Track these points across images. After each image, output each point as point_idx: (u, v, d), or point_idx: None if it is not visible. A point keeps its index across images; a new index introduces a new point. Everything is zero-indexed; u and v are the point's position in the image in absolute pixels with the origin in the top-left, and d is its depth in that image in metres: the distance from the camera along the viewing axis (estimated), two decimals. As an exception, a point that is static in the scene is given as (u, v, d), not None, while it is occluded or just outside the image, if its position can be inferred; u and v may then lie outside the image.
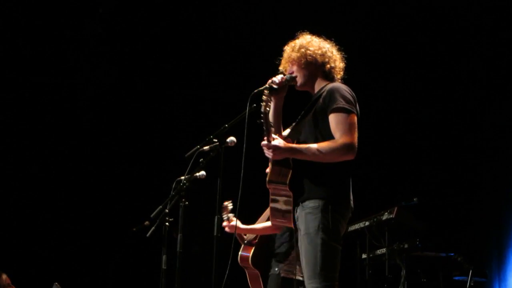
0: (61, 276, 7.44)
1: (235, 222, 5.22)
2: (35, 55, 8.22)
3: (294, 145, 3.65)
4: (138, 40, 8.50)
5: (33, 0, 8.09)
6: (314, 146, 3.61)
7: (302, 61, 3.85)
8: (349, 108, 3.65)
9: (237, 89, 6.22)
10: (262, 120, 3.63)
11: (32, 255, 7.98)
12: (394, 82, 8.03)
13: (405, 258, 6.47)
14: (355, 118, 3.67)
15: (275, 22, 7.95)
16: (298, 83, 3.88)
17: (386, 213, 6.46)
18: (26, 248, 7.99)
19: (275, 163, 3.70)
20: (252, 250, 5.40)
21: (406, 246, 6.46)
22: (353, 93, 3.77)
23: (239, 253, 5.49)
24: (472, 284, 6.35)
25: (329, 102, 3.68)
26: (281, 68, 3.96)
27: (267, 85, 3.79)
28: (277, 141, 3.62)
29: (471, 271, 6.36)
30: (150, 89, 8.57)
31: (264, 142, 3.63)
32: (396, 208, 6.40)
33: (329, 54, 3.88)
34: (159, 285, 4.70)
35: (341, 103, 3.64)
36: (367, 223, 6.63)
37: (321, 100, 3.73)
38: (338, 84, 3.79)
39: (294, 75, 3.86)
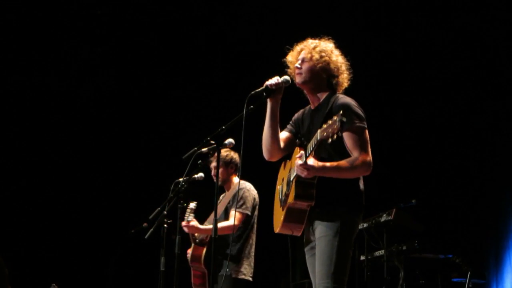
0: (59, 277, 7.45)
1: (195, 222, 5.27)
2: (35, 56, 8.22)
3: (326, 164, 3.67)
4: (136, 42, 8.51)
5: (33, 2, 8.10)
6: (341, 164, 3.68)
7: (318, 65, 3.87)
8: (362, 125, 3.75)
9: (234, 91, 6.23)
10: (315, 143, 3.59)
11: (30, 256, 7.98)
12: (393, 85, 8.03)
13: (404, 260, 6.48)
14: (367, 133, 3.78)
15: (273, 25, 7.96)
16: (301, 80, 3.88)
17: (384, 215, 6.47)
18: (24, 249, 7.99)
19: (300, 178, 3.71)
20: (204, 250, 5.44)
21: (404, 247, 6.47)
22: (360, 106, 3.85)
23: (190, 252, 5.53)
24: (470, 285, 6.35)
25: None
26: (289, 58, 3.96)
27: (263, 87, 3.81)
28: (312, 160, 3.64)
29: (469, 273, 6.36)
30: (147, 91, 8.58)
31: (300, 162, 3.63)
32: (394, 210, 6.41)
33: (341, 70, 3.94)
34: (157, 287, 4.70)
35: (356, 121, 3.73)
36: (365, 225, 6.64)
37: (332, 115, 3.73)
38: (347, 100, 3.83)
39: (298, 71, 3.87)
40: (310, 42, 3.96)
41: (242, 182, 5.56)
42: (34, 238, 8.07)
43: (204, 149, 4.28)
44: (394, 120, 8.01)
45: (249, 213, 5.44)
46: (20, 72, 8.23)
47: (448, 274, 6.64)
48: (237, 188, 5.46)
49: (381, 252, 6.55)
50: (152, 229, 4.72)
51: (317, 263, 3.71)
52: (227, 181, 5.61)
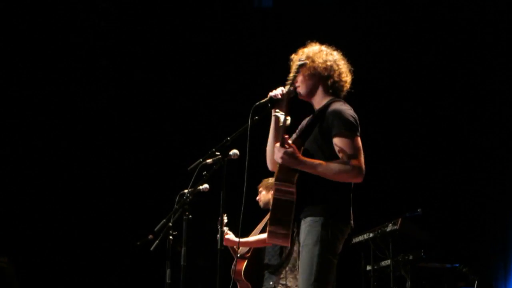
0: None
1: (230, 235, 5.28)
2: (39, 58, 8.22)
3: (306, 159, 3.63)
4: (142, 51, 8.53)
5: (37, 3, 8.12)
6: (325, 163, 3.60)
7: (306, 73, 3.84)
8: (351, 132, 3.65)
9: (239, 101, 6.23)
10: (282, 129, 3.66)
11: (37, 267, 7.97)
12: (397, 92, 8.03)
13: (410, 270, 6.46)
14: (360, 140, 3.68)
15: (278, 35, 7.97)
16: (301, 94, 3.87)
17: (390, 225, 6.45)
18: (31, 259, 7.98)
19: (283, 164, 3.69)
20: (245, 264, 5.46)
21: (410, 257, 6.45)
22: (355, 114, 3.76)
23: (232, 267, 5.55)
24: (477, 295, 6.33)
25: (332, 127, 3.66)
26: (291, 75, 3.90)
27: (268, 98, 3.81)
28: (292, 150, 3.61)
29: (476, 282, 6.34)
30: (153, 102, 8.59)
31: (278, 145, 3.62)
32: (400, 219, 6.40)
33: (334, 67, 3.84)
34: (164, 299, 4.69)
35: (344, 127, 3.64)
36: (371, 235, 6.62)
37: (324, 123, 3.71)
38: (340, 107, 3.75)
39: (296, 85, 3.85)
40: (296, 55, 3.91)
41: None
42: (41, 249, 8.06)
43: (209, 160, 4.28)
44: (400, 129, 8.00)
45: None
46: (23, 74, 8.23)
47: (455, 283, 6.61)
48: None
49: (387, 262, 6.53)
50: (157, 241, 4.70)
51: (300, 271, 3.69)
52: None
